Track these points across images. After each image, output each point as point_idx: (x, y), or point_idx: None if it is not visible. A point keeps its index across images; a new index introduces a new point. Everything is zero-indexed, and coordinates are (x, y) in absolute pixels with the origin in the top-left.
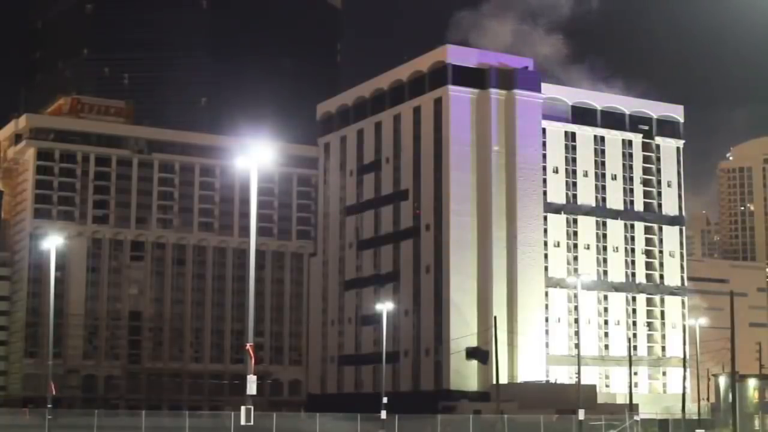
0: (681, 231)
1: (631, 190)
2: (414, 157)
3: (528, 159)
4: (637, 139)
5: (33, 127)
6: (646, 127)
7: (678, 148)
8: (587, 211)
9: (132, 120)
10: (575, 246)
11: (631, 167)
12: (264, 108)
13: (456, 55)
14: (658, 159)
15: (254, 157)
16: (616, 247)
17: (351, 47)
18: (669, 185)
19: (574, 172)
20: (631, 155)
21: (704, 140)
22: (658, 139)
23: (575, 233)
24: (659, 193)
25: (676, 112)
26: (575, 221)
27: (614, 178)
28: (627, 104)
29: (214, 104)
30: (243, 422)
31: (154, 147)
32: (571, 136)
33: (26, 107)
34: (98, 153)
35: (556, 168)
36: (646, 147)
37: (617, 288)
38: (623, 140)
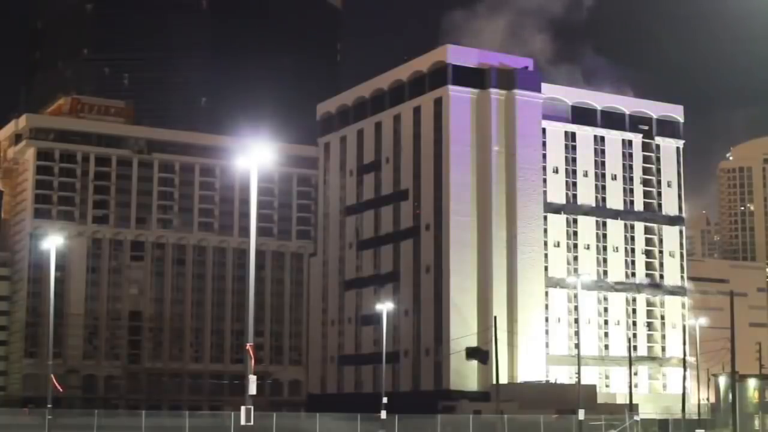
0: (681, 231)
1: (631, 190)
2: (414, 157)
3: (528, 159)
4: (637, 139)
5: (33, 127)
6: (646, 127)
7: (678, 148)
8: (587, 211)
9: (132, 120)
10: (575, 246)
11: (631, 167)
12: (264, 108)
13: (456, 55)
14: (658, 159)
15: (254, 157)
16: (616, 247)
17: (351, 47)
18: (669, 185)
19: (574, 172)
20: (631, 155)
21: (704, 140)
22: (658, 139)
23: (575, 233)
24: (659, 193)
25: (675, 112)
26: (575, 221)
27: (614, 178)
28: (627, 104)
29: (214, 104)
30: (243, 422)
31: (154, 147)
32: (571, 136)
33: (26, 107)
34: (98, 153)
35: (556, 168)
36: (646, 147)
37: (617, 288)
38: (623, 140)
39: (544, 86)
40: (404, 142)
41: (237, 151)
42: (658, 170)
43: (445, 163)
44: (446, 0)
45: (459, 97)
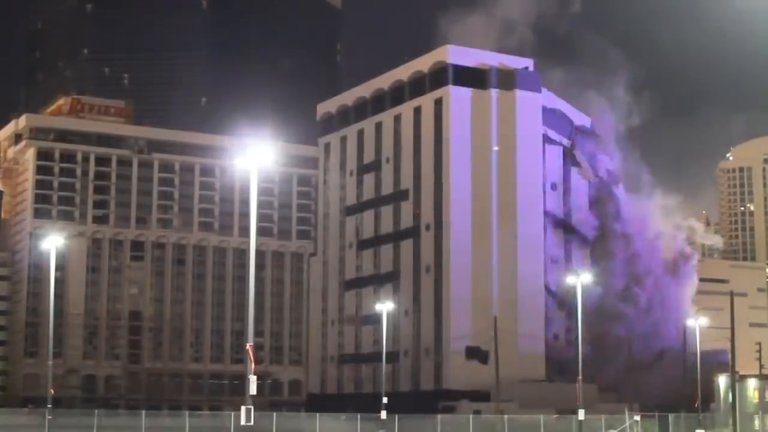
0: None
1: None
2: (414, 157)
3: (528, 159)
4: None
5: (33, 127)
6: None
7: None
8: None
9: (132, 120)
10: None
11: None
12: (264, 108)
13: (456, 55)
14: None
15: (254, 157)
16: None
17: (351, 47)
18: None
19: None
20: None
21: (704, 140)
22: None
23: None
24: None
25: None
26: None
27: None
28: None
29: (214, 104)
30: (243, 422)
31: (154, 147)
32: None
33: (26, 107)
34: (98, 153)
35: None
36: None
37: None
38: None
39: (544, 90)
40: (404, 142)
41: (237, 151)
42: None
43: (445, 163)
44: (445, 0)
45: (459, 97)
